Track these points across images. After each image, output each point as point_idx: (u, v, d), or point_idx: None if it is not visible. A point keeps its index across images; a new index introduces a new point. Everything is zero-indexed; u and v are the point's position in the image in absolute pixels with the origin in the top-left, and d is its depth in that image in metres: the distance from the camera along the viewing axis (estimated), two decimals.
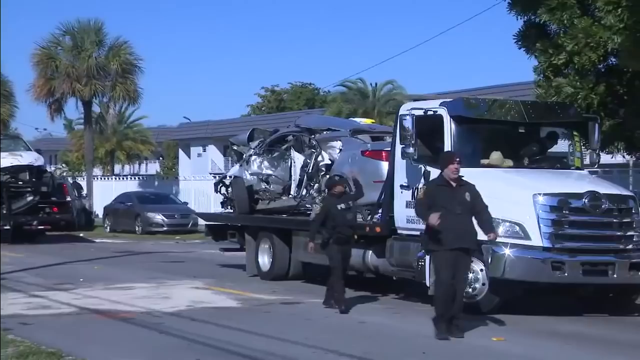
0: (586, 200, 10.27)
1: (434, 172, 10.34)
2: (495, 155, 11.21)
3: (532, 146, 11.69)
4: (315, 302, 11.55)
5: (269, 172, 14.68)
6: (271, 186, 14.68)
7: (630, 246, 10.41)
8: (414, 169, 11.25)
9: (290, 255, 14.03)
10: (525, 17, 14.61)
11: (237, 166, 16.16)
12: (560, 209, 10.20)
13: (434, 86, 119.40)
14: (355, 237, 11.27)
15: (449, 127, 11.01)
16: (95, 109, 34.01)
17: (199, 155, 56.29)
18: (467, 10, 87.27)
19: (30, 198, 22.99)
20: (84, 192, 32.21)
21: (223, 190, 16.15)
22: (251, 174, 14.83)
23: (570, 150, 11.86)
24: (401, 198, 11.49)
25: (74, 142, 55.30)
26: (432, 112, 11.20)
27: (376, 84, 42.54)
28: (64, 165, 61.41)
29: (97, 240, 25.55)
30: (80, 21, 32.15)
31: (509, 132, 11.64)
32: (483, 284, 10.32)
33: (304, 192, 13.73)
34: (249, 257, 14.90)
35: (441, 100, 11.52)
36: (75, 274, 14.93)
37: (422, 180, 10.97)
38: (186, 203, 30.62)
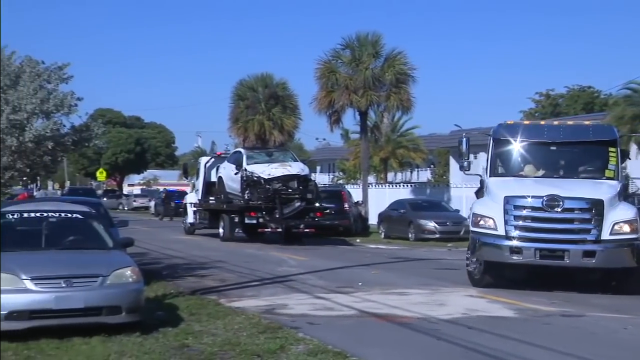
0: (544, 201, 13.01)
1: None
2: (527, 168, 14.33)
3: (565, 161, 14.51)
4: (599, 316, 10.97)
5: None
6: None
7: (587, 238, 12.94)
8: None
9: None
10: None
11: None
12: (522, 207, 13.20)
13: None
14: None
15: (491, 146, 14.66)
16: (371, 115, 35.06)
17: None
18: None
19: (298, 204, 25.21)
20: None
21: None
22: None
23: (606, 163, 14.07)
24: None
25: (350, 151, 57.82)
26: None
27: None
28: (341, 173, 64.43)
29: (371, 246, 26.39)
30: (359, 35, 33.40)
31: (546, 149, 14.49)
32: (480, 264, 13.78)
33: None
34: None
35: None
36: (354, 278, 15.57)
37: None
38: (457, 210, 30.59)
